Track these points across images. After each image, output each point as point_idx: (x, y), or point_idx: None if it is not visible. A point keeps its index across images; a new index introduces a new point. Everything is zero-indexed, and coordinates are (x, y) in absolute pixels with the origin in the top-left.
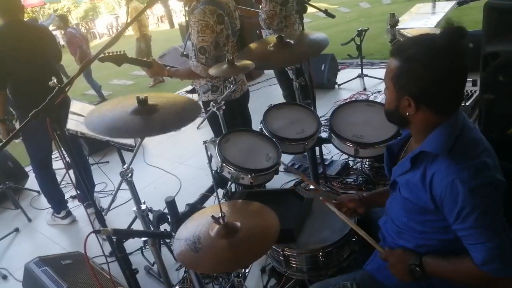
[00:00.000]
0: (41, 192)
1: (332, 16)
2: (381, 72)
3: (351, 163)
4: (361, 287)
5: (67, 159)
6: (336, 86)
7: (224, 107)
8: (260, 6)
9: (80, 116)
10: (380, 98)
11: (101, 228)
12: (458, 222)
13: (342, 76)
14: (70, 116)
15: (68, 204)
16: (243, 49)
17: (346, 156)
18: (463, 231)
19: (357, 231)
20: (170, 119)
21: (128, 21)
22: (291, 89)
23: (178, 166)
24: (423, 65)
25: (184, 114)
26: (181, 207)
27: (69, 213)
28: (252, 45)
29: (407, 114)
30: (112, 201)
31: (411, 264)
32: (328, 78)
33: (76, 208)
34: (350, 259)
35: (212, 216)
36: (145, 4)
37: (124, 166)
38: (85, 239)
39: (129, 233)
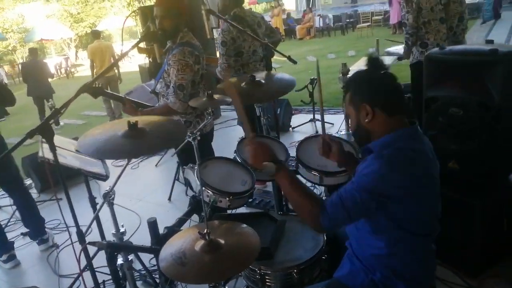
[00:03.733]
0: None
1: (294, 62)
2: (331, 117)
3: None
4: None
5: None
6: (290, 129)
7: (199, 138)
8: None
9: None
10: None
11: (96, 241)
12: (350, 183)
13: (296, 120)
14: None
15: (23, 241)
16: (218, 86)
17: None
18: (343, 188)
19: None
20: (158, 141)
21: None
22: (253, 125)
23: (137, 202)
24: (362, 79)
25: (170, 137)
26: (141, 243)
27: (11, 257)
28: (227, 82)
29: (367, 121)
30: (93, 220)
31: (273, 161)
32: (283, 121)
33: (28, 244)
34: (320, 277)
35: (199, 232)
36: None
37: (107, 188)
38: (79, 251)
39: (121, 247)
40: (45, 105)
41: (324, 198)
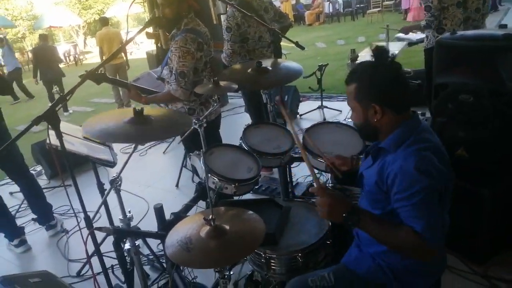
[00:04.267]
0: None
1: (302, 48)
2: (339, 104)
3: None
4: (337, 276)
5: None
6: (298, 116)
7: (205, 125)
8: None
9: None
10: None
11: (103, 226)
12: (405, 199)
13: (304, 107)
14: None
15: (33, 227)
16: (223, 71)
17: (311, 179)
18: (408, 206)
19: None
20: (163, 129)
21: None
22: (261, 112)
23: (145, 189)
24: (371, 77)
25: (175, 126)
26: (149, 228)
27: (22, 242)
28: (233, 68)
29: (376, 120)
30: (100, 206)
31: (351, 212)
32: (291, 108)
33: (38, 230)
34: (325, 261)
35: (204, 218)
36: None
37: (114, 174)
38: (86, 236)
39: (128, 233)
40: (54, 90)
41: (330, 185)
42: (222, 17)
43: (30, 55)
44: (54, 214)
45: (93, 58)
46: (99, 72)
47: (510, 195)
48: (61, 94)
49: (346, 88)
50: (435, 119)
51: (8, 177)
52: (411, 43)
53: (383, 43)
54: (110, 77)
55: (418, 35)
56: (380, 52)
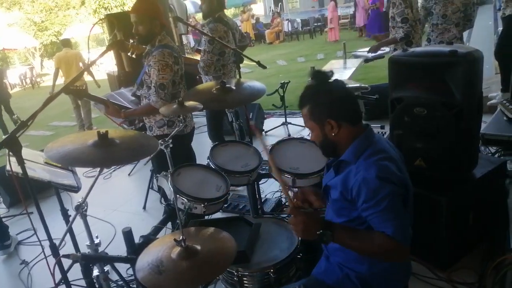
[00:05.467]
0: None
1: (264, 67)
2: (302, 120)
3: (283, 200)
4: None
5: None
6: (264, 132)
7: (171, 145)
8: (200, 55)
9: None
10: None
11: (70, 253)
12: (372, 207)
13: (268, 124)
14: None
15: None
16: (189, 91)
17: (279, 195)
18: (376, 213)
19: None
20: (129, 152)
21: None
22: (218, 131)
23: (111, 213)
24: (318, 97)
25: (141, 148)
26: (117, 253)
27: None
28: (197, 88)
29: (334, 135)
30: (66, 233)
31: (324, 229)
32: (256, 125)
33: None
34: (297, 276)
35: (175, 239)
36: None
37: (79, 199)
38: (54, 265)
39: (96, 258)
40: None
41: None
42: (185, 37)
43: None
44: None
45: (51, 80)
46: (79, 87)
47: (464, 201)
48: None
49: (301, 111)
50: (393, 132)
51: None
52: (367, 60)
53: (340, 60)
54: (91, 94)
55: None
56: (318, 74)
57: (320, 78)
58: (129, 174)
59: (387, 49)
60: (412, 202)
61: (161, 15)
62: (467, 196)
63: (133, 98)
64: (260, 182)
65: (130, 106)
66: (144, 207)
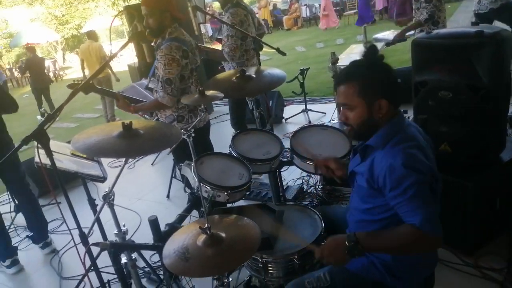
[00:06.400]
0: None
1: (284, 54)
2: (322, 107)
3: (305, 187)
4: (333, 276)
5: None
6: (283, 120)
7: (193, 135)
8: (222, 42)
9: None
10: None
11: (100, 242)
12: (399, 195)
13: (288, 111)
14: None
15: (23, 246)
16: (209, 80)
17: (301, 182)
18: (403, 202)
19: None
20: (153, 142)
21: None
22: (242, 119)
23: (135, 202)
24: (372, 73)
25: (165, 138)
26: (142, 241)
27: (15, 262)
28: (218, 77)
29: (380, 116)
30: (94, 222)
31: (350, 243)
32: (276, 113)
33: (29, 249)
34: (321, 263)
35: (200, 227)
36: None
37: (105, 189)
38: (84, 253)
39: (125, 246)
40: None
41: (320, 187)
42: (203, 27)
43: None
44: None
45: (73, 73)
46: (79, 82)
47: (491, 186)
48: (45, 112)
49: (340, 88)
50: (417, 116)
51: (8, 191)
52: (388, 43)
53: (361, 44)
54: (99, 87)
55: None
56: (373, 50)
57: (374, 55)
58: (152, 164)
59: (411, 33)
60: (440, 190)
61: (173, 7)
62: (494, 181)
63: (145, 92)
64: (281, 170)
65: (142, 99)
66: (168, 196)
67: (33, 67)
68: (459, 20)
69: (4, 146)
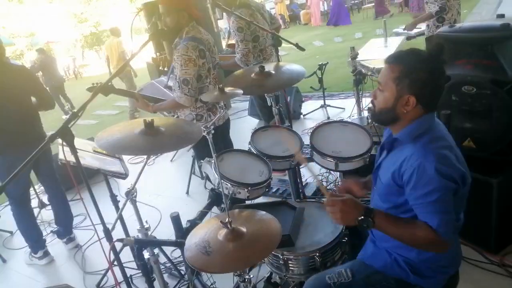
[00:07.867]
0: (14, 232)
1: (302, 49)
2: (341, 102)
3: (324, 184)
4: (354, 271)
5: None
6: (302, 116)
7: (213, 132)
8: (235, 48)
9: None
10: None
11: (124, 238)
12: (421, 196)
13: (306, 107)
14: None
15: (47, 241)
16: (228, 77)
17: (320, 179)
18: (424, 204)
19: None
20: (174, 139)
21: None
22: (270, 115)
23: (156, 198)
24: (423, 70)
25: (186, 135)
26: (163, 237)
27: (46, 253)
28: (237, 73)
29: (404, 111)
30: (118, 218)
31: (366, 215)
32: (294, 109)
33: (53, 243)
34: (342, 259)
35: (221, 221)
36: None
37: (127, 186)
38: (109, 248)
39: (148, 242)
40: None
41: (339, 183)
42: (231, 19)
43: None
44: None
45: (92, 70)
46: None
47: None
48: (71, 110)
49: (385, 66)
50: (440, 112)
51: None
52: (409, 37)
53: (381, 38)
54: (118, 88)
55: (416, 29)
56: (435, 49)
57: (437, 55)
58: (171, 160)
59: (423, 26)
60: (467, 193)
61: (190, 6)
62: None
63: (163, 90)
64: (301, 167)
65: (161, 98)
66: (187, 192)
67: (45, 68)
68: (482, 13)
69: (42, 141)
